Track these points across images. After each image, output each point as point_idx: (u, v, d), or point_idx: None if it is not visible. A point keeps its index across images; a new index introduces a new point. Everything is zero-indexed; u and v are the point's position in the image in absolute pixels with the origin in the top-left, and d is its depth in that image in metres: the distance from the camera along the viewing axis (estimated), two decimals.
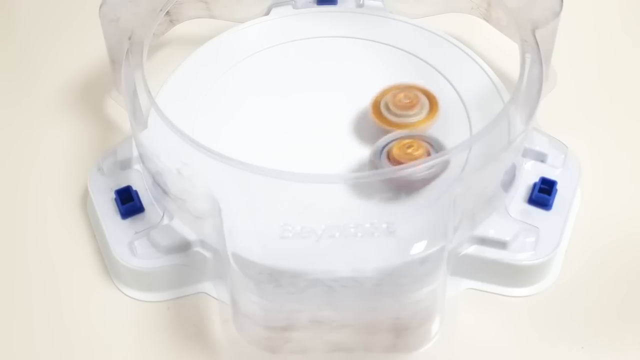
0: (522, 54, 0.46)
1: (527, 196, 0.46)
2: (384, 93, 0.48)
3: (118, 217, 0.46)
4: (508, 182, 0.45)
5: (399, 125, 0.46)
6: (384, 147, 0.45)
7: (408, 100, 0.46)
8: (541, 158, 0.48)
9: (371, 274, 0.39)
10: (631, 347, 0.43)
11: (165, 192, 0.45)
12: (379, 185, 0.42)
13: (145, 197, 0.46)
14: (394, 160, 0.44)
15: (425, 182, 0.42)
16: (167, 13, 0.51)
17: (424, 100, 0.47)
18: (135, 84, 0.44)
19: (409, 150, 0.44)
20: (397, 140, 0.45)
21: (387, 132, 0.46)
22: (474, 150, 0.43)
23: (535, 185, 0.46)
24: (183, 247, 0.44)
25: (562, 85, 0.52)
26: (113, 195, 0.47)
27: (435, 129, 0.48)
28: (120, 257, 0.45)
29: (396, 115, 0.46)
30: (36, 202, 0.49)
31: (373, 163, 0.44)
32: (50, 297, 0.45)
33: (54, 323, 0.45)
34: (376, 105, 0.47)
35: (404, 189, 0.42)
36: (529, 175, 0.47)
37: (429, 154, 0.44)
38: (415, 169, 0.41)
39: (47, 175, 0.50)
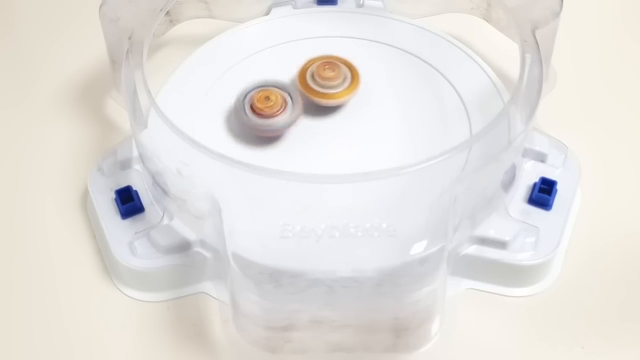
0: (522, 54, 0.46)
1: (527, 196, 0.46)
2: (311, 62, 0.49)
3: (118, 217, 0.46)
4: (508, 182, 0.45)
5: (323, 96, 0.48)
6: (244, 98, 0.48)
7: (332, 73, 0.48)
8: (541, 158, 0.48)
9: (371, 274, 0.39)
10: (631, 347, 0.43)
11: (165, 192, 0.45)
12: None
13: (145, 197, 0.46)
14: (256, 111, 0.47)
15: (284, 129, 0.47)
16: (167, 13, 0.51)
17: (347, 73, 0.49)
18: (135, 84, 0.44)
19: (268, 102, 0.47)
20: (255, 91, 0.48)
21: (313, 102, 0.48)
22: (474, 150, 0.43)
23: (535, 185, 0.46)
24: (183, 247, 0.44)
25: (562, 85, 0.52)
26: (113, 195, 0.47)
27: (435, 129, 0.48)
28: (120, 257, 0.45)
29: (320, 85, 0.48)
30: (36, 202, 0.49)
31: (237, 113, 0.48)
32: (50, 297, 0.46)
33: (53, 323, 0.45)
34: (302, 75, 0.49)
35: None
36: (529, 175, 0.47)
37: (284, 101, 0.48)
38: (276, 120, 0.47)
39: (47, 175, 0.50)
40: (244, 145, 0.47)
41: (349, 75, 0.49)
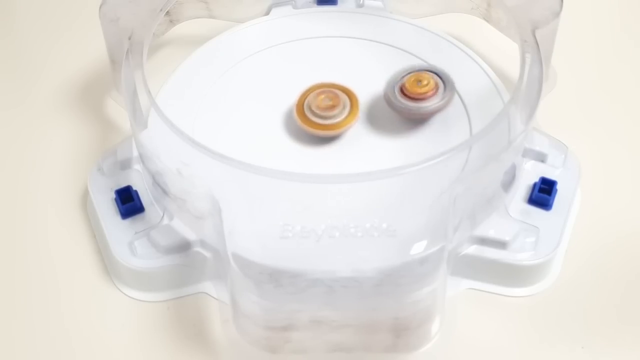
0: (522, 54, 0.46)
1: (527, 196, 0.46)
2: (305, 94, 0.48)
3: (118, 217, 0.46)
4: (508, 182, 0.45)
5: (322, 127, 0.47)
6: (396, 83, 0.47)
7: (330, 102, 0.47)
8: (541, 158, 0.48)
9: (371, 274, 0.39)
10: (631, 347, 0.43)
11: (165, 192, 0.45)
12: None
13: (145, 197, 0.46)
14: (407, 95, 0.47)
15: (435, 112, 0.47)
16: (167, 13, 0.51)
17: (345, 99, 0.47)
18: (135, 84, 0.44)
19: (421, 85, 0.47)
20: (408, 76, 0.47)
21: (310, 134, 0.47)
22: (474, 150, 0.43)
23: (535, 185, 0.46)
24: (183, 247, 0.44)
25: (562, 85, 0.52)
26: (113, 195, 0.47)
27: (435, 129, 0.48)
28: (120, 257, 0.45)
29: (319, 116, 0.47)
30: (36, 202, 0.49)
31: (388, 97, 0.47)
32: (50, 297, 0.46)
33: (54, 323, 0.45)
34: (300, 107, 0.47)
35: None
36: (529, 175, 0.47)
37: (437, 86, 0.47)
38: (427, 104, 0.47)
39: (47, 175, 0.50)
40: (244, 145, 0.47)
41: (347, 102, 0.48)
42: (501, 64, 0.52)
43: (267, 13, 0.55)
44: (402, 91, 0.47)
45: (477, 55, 0.51)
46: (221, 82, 0.51)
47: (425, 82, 0.47)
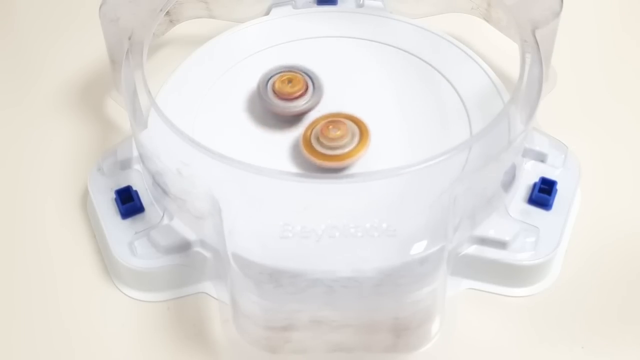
0: (522, 54, 0.46)
1: (527, 196, 0.46)
2: (312, 125, 0.47)
3: (118, 217, 0.46)
4: (508, 182, 0.45)
5: (332, 158, 0.46)
6: (267, 81, 0.49)
7: (338, 132, 0.46)
8: (541, 158, 0.48)
9: (371, 274, 0.39)
10: (631, 347, 0.43)
11: (165, 192, 0.45)
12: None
13: (145, 197, 0.46)
14: (277, 94, 0.48)
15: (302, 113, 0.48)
16: (167, 13, 0.51)
17: (354, 128, 0.46)
18: (135, 84, 0.44)
19: (290, 84, 0.48)
20: (279, 75, 0.48)
21: (319, 166, 0.46)
22: (474, 150, 0.43)
23: (535, 185, 0.46)
24: (183, 247, 0.44)
25: (562, 85, 0.52)
26: (113, 195, 0.47)
27: (435, 129, 0.48)
28: (120, 257, 0.45)
29: (327, 147, 0.46)
30: (36, 202, 0.49)
31: (260, 94, 0.48)
32: (50, 297, 0.45)
33: (54, 323, 0.45)
34: (307, 140, 0.46)
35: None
36: (529, 175, 0.47)
37: (307, 86, 0.48)
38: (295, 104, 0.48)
39: (47, 175, 0.50)
40: (244, 145, 0.47)
41: (356, 131, 0.47)
42: (501, 64, 0.52)
43: (267, 13, 0.55)
44: (273, 90, 0.48)
45: (477, 55, 0.51)
46: (221, 82, 0.51)
47: (295, 82, 0.48)
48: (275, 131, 0.48)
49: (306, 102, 0.48)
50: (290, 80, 0.48)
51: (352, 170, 0.46)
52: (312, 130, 0.46)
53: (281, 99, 0.48)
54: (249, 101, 0.50)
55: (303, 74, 0.49)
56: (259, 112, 0.49)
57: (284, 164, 0.46)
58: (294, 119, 0.48)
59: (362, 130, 0.46)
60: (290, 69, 0.49)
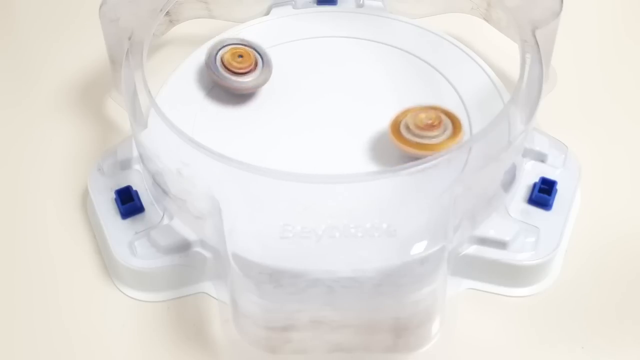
0: (522, 54, 0.46)
1: (527, 196, 0.46)
2: (404, 113, 0.46)
3: (118, 217, 0.46)
4: (508, 182, 0.45)
5: (419, 146, 0.45)
6: (217, 53, 0.49)
7: (430, 121, 0.45)
8: (541, 158, 0.48)
9: (371, 274, 0.39)
10: (631, 347, 0.43)
11: (165, 192, 0.45)
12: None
13: (145, 197, 0.46)
14: (226, 67, 0.48)
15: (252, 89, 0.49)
16: (167, 13, 0.51)
17: (447, 122, 0.46)
18: (135, 84, 0.44)
19: (240, 59, 0.49)
20: (228, 47, 0.49)
21: (406, 155, 0.45)
22: (474, 150, 0.43)
23: (535, 185, 0.46)
24: (183, 247, 0.44)
25: (562, 85, 0.52)
26: (113, 195, 0.47)
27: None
28: (120, 257, 0.45)
29: (416, 135, 0.45)
30: (36, 202, 0.49)
31: (209, 67, 0.49)
32: (50, 297, 0.45)
33: (54, 323, 0.45)
34: (396, 126, 0.46)
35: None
36: (529, 175, 0.47)
37: (256, 62, 0.49)
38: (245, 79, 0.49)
39: (47, 175, 0.50)
40: (244, 145, 0.47)
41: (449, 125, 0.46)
42: (501, 64, 0.52)
43: (267, 13, 0.55)
44: (223, 63, 0.49)
45: (477, 55, 0.51)
46: None
47: (245, 57, 0.48)
48: (276, 131, 0.48)
49: (254, 79, 0.49)
50: (241, 55, 0.49)
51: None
52: (403, 117, 0.46)
53: (230, 73, 0.49)
54: (249, 101, 0.50)
55: (252, 49, 0.49)
56: (259, 112, 0.49)
57: (284, 164, 0.46)
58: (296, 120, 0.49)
59: (456, 125, 0.46)
60: (241, 42, 0.49)
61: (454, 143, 0.45)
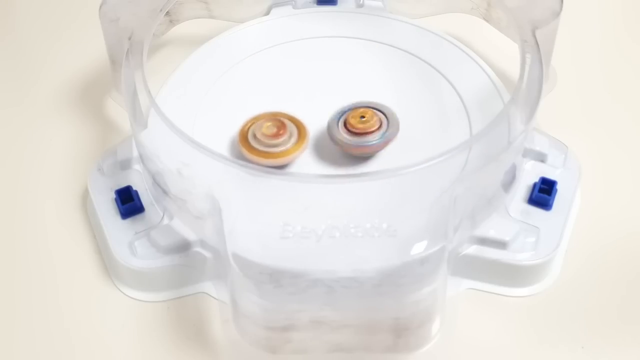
0: (522, 54, 0.46)
1: (527, 196, 0.46)
2: (251, 122, 0.46)
3: (118, 217, 0.46)
4: (508, 182, 0.45)
5: (267, 155, 0.45)
6: (339, 118, 0.46)
7: (275, 129, 0.45)
8: (541, 158, 0.48)
9: (371, 274, 0.39)
10: (631, 347, 0.43)
11: (165, 192, 0.45)
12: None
13: (145, 197, 0.46)
14: (351, 130, 0.46)
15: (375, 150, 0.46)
16: (167, 13, 0.51)
17: (292, 128, 0.46)
18: (135, 84, 0.44)
19: (364, 120, 0.46)
20: (351, 111, 0.46)
21: (251, 161, 0.45)
22: (474, 150, 0.43)
23: (535, 185, 0.46)
24: (183, 247, 0.44)
25: (562, 85, 0.52)
26: (113, 195, 0.47)
27: (435, 129, 0.48)
28: (120, 257, 0.45)
29: (264, 144, 0.45)
30: (36, 202, 0.49)
31: (331, 133, 0.46)
32: (50, 297, 0.45)
33: (54, 323, 0.45)
34: (243, 135, 0.46)
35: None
36: (529, 175, 0.47)
37: (381, 122, 0.46)
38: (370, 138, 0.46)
39: (47, 175, 0.50)
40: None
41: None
42: (501, 64, 0.52)
43: (267, 13, 0.55)
44: (345, 126, 0.46)
45: (477, 55, 0.51)
46: (221, 82, 0.51)
47: (368, 118, 0.46)
48: None
49: (380, 139, 0.46)
50: (362, 116, 0.46)
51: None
52: (249, 126, 0.46)
53: (354, 135, 0.46)
54: (249, 101, 0.50)
55: (377, 110, 0.47)
56: (259, 112, 0.49)
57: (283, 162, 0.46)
58: None
59: (301, 130, 0.46)
60: (363, 105, 0.47)
61: (299, 150, 0.45)
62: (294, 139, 0.46)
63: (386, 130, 0.46)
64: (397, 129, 0.46)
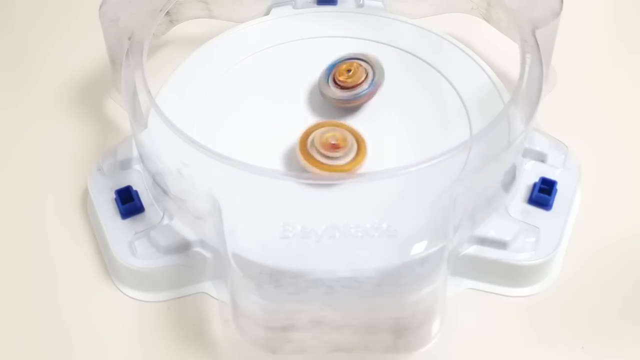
0: (522, 54, 0.46)
1: (527, 196, 0.46)
2: (312, 129, 0.46)
3: (118, 217, 0.46)
4: (508, 182, 0.45)
5: (323, 167, 0.45)
6: (328, 76, 0.49)
7: (335, 142, 0.45)
8: (541, 158, 0.48)
9: (371, 274, 0.39)
10: (631, 347, 0.43)
11: (165, 192, 0.45)
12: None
13: (145, 197, 0.46)
14: (341, 85, 0.48)
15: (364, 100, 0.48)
16: (167, 13, 0.51)
17: (352, 142, 0.46)
18: (135, 84, 0.44)
19: (350, 73, 0.48)
20: (337, 67, 0.49)
21: (308, 170, 0.45)
22: (474, 150, 0.43)
23: (535, 185, 0.46)
24: (183, 247, 0.44)
25: (562, 85, 0.52)
26: (113, 195, 0.47)
27: (435, 129, 0.48)
28: (120, 257, 0.45)
29: (323, 155, 0.45)
30: (36, 202, 0.49)
31: (321, 88, 0.49)
32: (50, 297, 0.46)
33: (54, 323, 0.45)
34: (303, 142, 0.46)
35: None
36: (529, 175, 0.47)
37: (366, 72, 0.48)
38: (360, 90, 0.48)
39: (47, 175, 0.50)
40: (244, 145, 0.47)
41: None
42: (501, 64, 0.52)
43: (267, 13, 0.55)
44: (335, 82, 0.48)
45: (477, 55, 0.51)
46: (221, 82, 0.51)
47: (354, 70, 0.48)
48: (275, 132, 0.48)
49: (367, 89, 0.48)
50: (348, 70, 0.48)
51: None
52: (309, 136, 0.46)
53: (343, 89, 0.48)
54: (249, 101, 0.50)
55: (362, 61, 0.49)
56: (259, 112, 0.49)
57: (283, 164, 0.46)
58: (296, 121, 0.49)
59: (360, 144, 0.46)
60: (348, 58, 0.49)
61: (358, 165, 0.45)
62: (352, 154, 0.45)
63: (373, 78, 0.48)
64: (383, 73, 0.48)
